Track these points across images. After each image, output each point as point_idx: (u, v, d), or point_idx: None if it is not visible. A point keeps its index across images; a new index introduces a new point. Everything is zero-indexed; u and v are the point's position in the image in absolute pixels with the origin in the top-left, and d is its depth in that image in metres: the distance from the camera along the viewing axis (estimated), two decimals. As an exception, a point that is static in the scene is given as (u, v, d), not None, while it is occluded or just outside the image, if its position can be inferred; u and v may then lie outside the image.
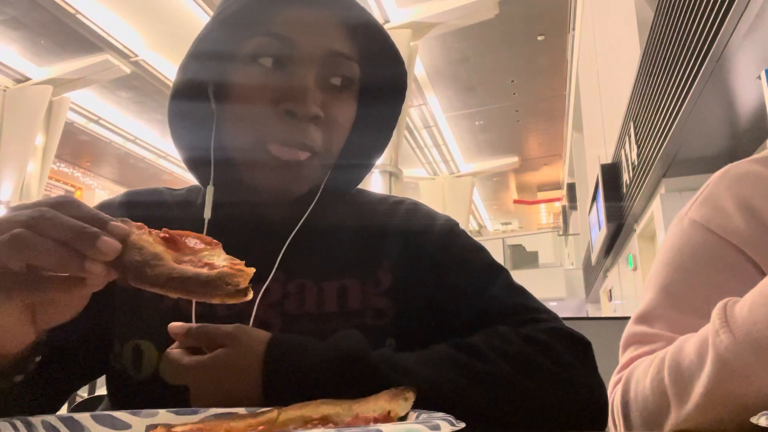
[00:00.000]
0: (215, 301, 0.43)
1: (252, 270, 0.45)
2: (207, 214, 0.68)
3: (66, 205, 0.43)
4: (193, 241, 0.48)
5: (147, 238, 0.45)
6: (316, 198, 0.72)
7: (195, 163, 0.72)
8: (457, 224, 0.79)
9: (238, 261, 0.46)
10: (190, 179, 0.78)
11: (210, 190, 0.69)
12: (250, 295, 0.44)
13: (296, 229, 0.70)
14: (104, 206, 0.75)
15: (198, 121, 0.71)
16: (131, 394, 0.66)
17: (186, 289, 0.43)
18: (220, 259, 0.46)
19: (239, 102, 0.67)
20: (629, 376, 0.67)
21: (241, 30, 0.67)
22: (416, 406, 0.49)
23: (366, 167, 0.78)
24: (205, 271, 0.43)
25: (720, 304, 0.55)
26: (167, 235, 0.47)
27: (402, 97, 0.77)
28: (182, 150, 0.73)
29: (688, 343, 0.58)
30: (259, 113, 0.66)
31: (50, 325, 0.47)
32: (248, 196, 0.71)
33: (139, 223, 0.46)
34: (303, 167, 0.67)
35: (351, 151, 0.74)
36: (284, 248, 0.69)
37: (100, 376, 0.74)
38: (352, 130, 0.73)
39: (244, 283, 0.44)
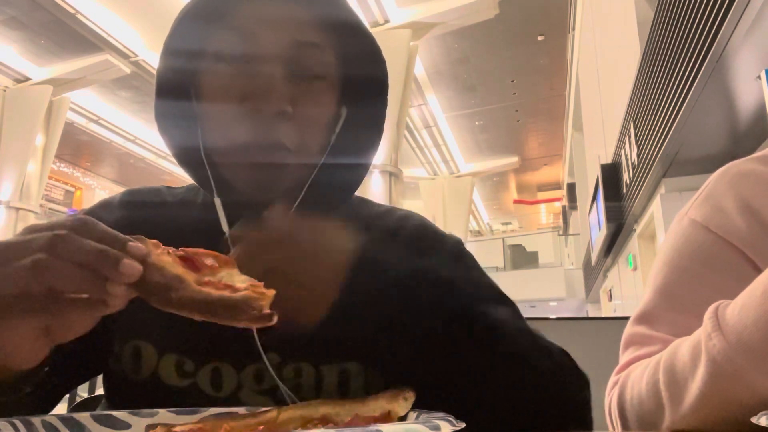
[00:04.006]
0: (241, 325, 0.43)
1: (272, 292, 0.45)
2: (225, 227, 0.66)
3: (83, 226, 0.42)
4: (209, 260, 0.48)
5: (166, 259, 0.44)
6: (299, 198, 0.68)
7: (186, 165, 0.71)
8: (463, 245, 0.76)
9: (257, 282, 0.46)
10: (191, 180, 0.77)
11: (218, 203, 0.67)
12: (275, 320, 0.44)
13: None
14: (104, 205, 0.74)
15: (181, 122, 0.70)
16: (129, 394, 0.66)
17: (211, 312, 0.43)
18: (239, 281, 0.46)
19: (211, 103, 0.66)
20: (626, 379, 0.68)
21: (205, 25, 0.66)
22: None
23: (358, 167, 0.74)
24: (227, 294, 0.43)
25: (711, 308, 0.55)
26: (184, 254, 0.47)
27: (384, 88, 0.73)
28: (172, 150, 0.72)
29: (682, 347, 0.58)
30: (227, 113, 0.64)
31: (64, 341, 0.47)
32: (239, 199, 0.69)
33: (155, 241, 0.46)
34: (277, 166, 0.65)
35: (339, 150, 0.71)
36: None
37: (97, 375, 0.73)
38: (339, 129, 0.71)
39: (267, 307, 0.44)
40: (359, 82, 0.72)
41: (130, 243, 0.42)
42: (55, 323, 0.45)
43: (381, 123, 0.75)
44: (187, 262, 0.46)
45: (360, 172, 0.75)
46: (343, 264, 0.58)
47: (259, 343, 0.63)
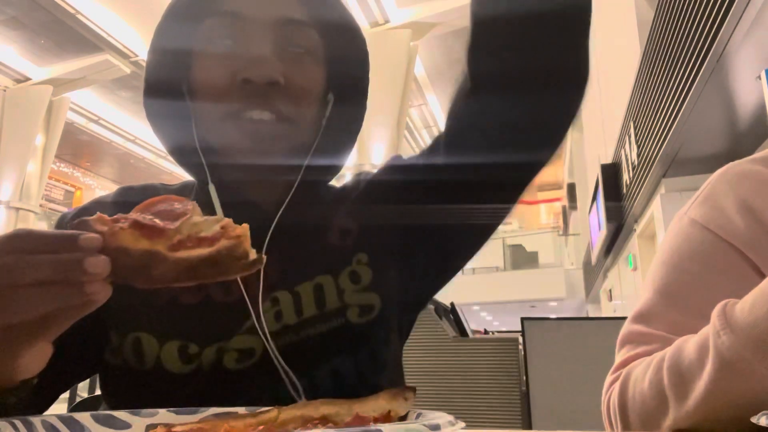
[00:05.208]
0: (236, 276, 0.42)
1: (246, 227, 0.43)
2: (219, 213, 0.67)
3: (23, 242, 0.39)
4: (163, 213, 0.45)
5: (125, 237, 0.41)
6: (299, 176, 0.70)
7: (182, 159, 0.72)
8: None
9: (225, 221, 0.44)
10: (190, 178, 0.77)
11: (212, 189, 0.69)
12: (264, 260, 0.43)
13: (281, 211, 0.69)
14: (98, 203, 0.74)
15: (175, 114, 0.71)
16: (126, 393, 0.66)
17: (198, 276, 0.41)
18: (207, 227, 0.43)
19: (205, 85, 0.68)
20: (626, 377, 0.67)
21: (193, 14, 0.68)
22: None
23: (340, 159, 0.77)
24: (207, 251, 0.41)
25: (719, 305, 0.55)
26: (138, 221, 0.43)
27: (365, 66, 0.77)
28: (169, 147, 0.73)
29: (688, 344, 0.58)
30: (221, 89, 0.66)
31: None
32: (237, 186, 0.70)
33: (97, 215, 0.42)
34: (270, 131, 0.66)
35: (328, 135, 0.73)
36: (270, 231, 0.68)
37: (92, 375, 0.73)
38: (329, 113, 0.73)
39: (249, 248, 0.42)
40: (343, 65, 0.74)
41: (81, 237, 0.40)
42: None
43: (362, 113, 0.78)
44: (146, 229, 0.42)
45: (340, 167, 0.78)
46: None
47: (260, 329, 0.64)
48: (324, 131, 0.72)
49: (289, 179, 0.70)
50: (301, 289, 0.67)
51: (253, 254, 0.42)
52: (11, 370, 0.45)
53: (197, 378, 0.64)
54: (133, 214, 0.44)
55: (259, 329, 0.65)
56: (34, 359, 0.45)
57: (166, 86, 0.71)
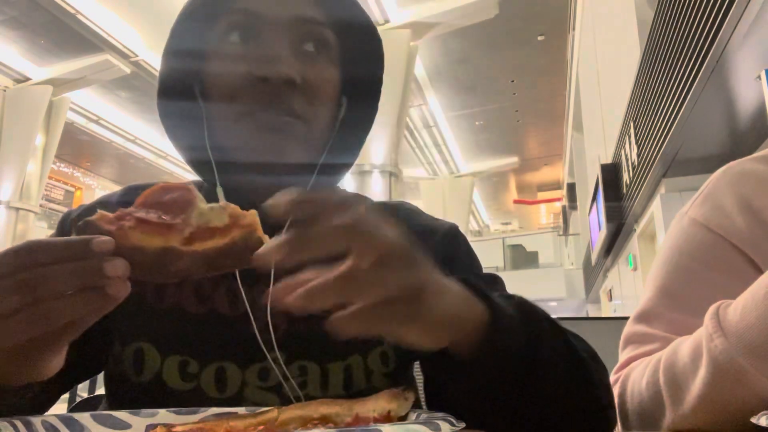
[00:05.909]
0: (252, 266, 0.42)
1: (254, 212, 0.43)
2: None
3: (34, 254, 0.39)
4: (167, 205, 0.44)
5: (136, 235, 0.42)
6: (312, 178, 0.69)
7: (193, 160, 0.71)
8: (458, 227, 0.78)
9: (231, 208, 0.44)
10: (191, 178, 0.77)
11: (220, 191, 0.68)
12: None
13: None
14: (103, 203, 0.74)
15: (188, 116, 0.70)
16: (130, 396, 0.66)
17: (215, 268, 0.42)
18: (215, 217, 0.44)
19: (219, 85, 0.67)
20: (626, 378, 0.68)
21: (209, 13, 0.68)
22: None
23: (350, 160, 0.76)
24: (221, 242, 0.42)
25: (712, 308, 0.55)
26: (145, 220, 0.43)
27: (380, 67, 0.76)
28: (180, 148, 0.72)
29: (683, 347, 0.58)
30: (236, 88, 0.65)
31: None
32: (247, 187, 0.68)
33: (99, 213, 0.42)
34: (286, 131, 0.65)
35: (342, 136, 0.72)
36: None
37: (95, 374, 0.73)
38: (342, 115, 0.72)
39: (262, 236, 0.42)
40: (358, 66, 0.73)
41: (93, 242, 0.39)
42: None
43: (374, 114, 0.77)
44: (154, 226, 0.42)
45: (348, 168, 0.77)
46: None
47: (262, 343, 0.63)
48: (337, 132, 0.72)
49: (301, 180, 0.69)
50: (331, 368, 0.65)
51: (267, 242, 0.42)
52: (35, 372, 0.45)
53: (198, 393, 0.63)
54: (137, 212, 0.44)
55: (259, 337, 0.64)
56: (56, 359, 0.46)
57: (180, 87, 0.70)
